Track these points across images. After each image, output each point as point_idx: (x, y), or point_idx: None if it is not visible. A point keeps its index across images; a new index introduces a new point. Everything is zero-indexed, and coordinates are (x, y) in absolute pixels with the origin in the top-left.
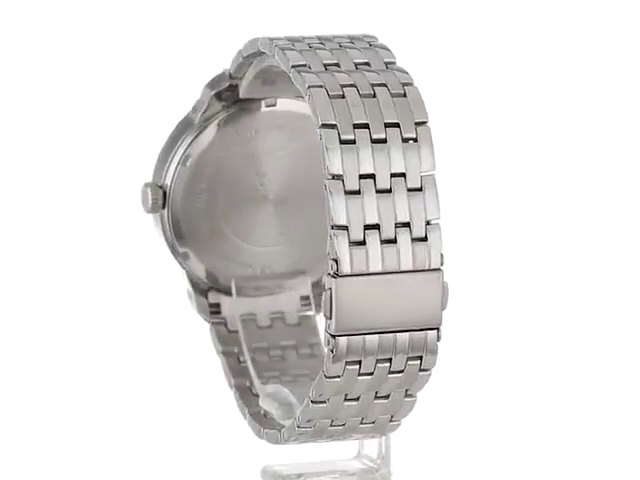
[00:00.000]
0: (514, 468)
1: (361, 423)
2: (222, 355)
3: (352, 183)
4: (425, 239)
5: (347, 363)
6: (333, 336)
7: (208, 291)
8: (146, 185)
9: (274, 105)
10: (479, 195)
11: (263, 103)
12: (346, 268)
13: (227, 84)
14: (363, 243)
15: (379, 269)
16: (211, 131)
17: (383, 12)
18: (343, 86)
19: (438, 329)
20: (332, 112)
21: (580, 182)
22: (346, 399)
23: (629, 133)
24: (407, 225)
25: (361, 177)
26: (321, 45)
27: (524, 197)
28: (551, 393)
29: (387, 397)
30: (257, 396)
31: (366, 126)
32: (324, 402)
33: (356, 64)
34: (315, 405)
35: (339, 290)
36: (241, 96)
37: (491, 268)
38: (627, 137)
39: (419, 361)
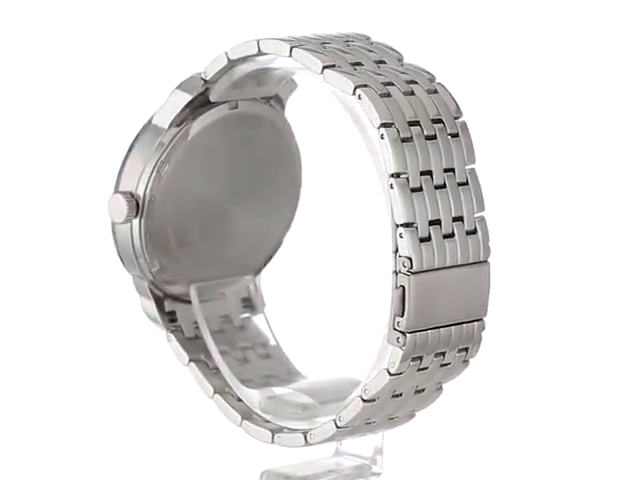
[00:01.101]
0: (509, 467)
1: (388, 419)
2: (192, 363)
3: (415, 180)
4: (475, 232)
5: (412, 359)
6: (404, 333)
7: (164, 300)
8: (119, 194)
9: (236, 108)
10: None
11: (227, 106)
12: (418, 265)
13: (204, 88)
14: (429, 239)
15: (443, 264)
16: (183, 137)
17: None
18: (385, 84)
19: (483, 319)
20: (388, 111)
21: (581, 179)
22: (392, 396)
23: None
24: (460, 219)
25: (421, 174)
26: (331, 44)
27: (527, 196)
28: (550, 392)
29: (422, 391)
30: (241, 400)
31: (417, 123)
32: (374, 400)
33: (376, 62)
34: (366, 404)
35: (412, 287)
36: (212, 100)
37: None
38: None
39: (465, 352)
